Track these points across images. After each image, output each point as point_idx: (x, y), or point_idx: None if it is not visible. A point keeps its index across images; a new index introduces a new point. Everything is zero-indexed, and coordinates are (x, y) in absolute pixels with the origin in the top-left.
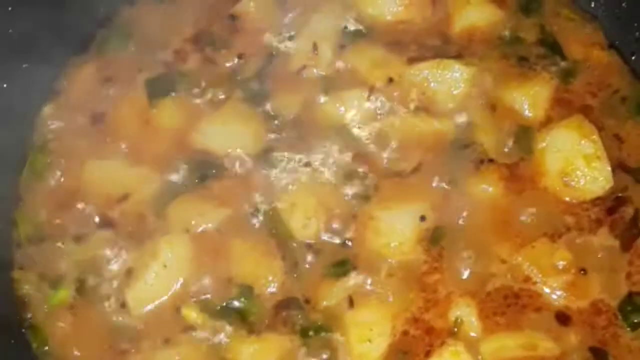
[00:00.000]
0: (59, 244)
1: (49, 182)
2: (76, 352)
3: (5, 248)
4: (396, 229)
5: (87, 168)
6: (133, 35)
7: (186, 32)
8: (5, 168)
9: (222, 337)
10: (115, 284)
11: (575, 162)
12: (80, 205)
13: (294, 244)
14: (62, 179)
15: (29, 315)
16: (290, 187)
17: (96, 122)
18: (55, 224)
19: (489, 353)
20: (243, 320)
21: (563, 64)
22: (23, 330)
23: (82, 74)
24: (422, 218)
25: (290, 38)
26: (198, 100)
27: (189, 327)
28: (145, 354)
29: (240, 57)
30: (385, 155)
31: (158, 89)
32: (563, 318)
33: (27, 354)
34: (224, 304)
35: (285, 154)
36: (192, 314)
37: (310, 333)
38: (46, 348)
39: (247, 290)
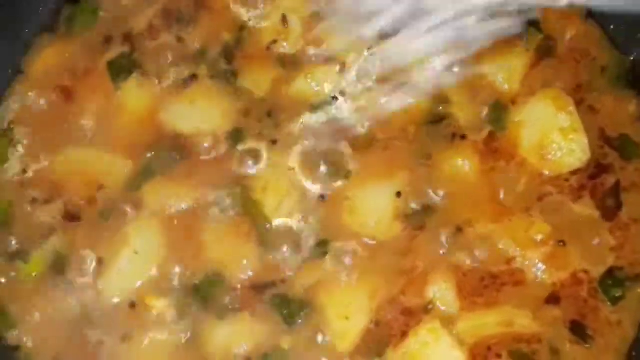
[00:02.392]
0: (27, 231)
1: (13, 167)
2: (44, 339)
3: None
4: (372, 207)
5: (54, 153)
6: (100, 12)
7: (153, 10)
8: None
9: (195, 322)
10: (87, 273)
11: (552, 135)
12: (48, 193)
13: (268, 226)
14: (27, 164)
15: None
16: (261, 167)
17: (62, 105)
18: (23, 211)
19: (465, 330)
20: (217, 303)
21: (539, 35)
22: None
23: (48, 53)
24: (398, 194)
25: (259, 12)
26: (165, 80)
27: (162, 314)
28: (117, 343)
29: (208, 33)
30: (359, 131)
31: (120, 70)
32: (545, 293)
33: None
34: (198, 288)
35: (257, 132)
36: (165, 300)
37: (288, 313)
38: (14, 332)
39: (221, 274)
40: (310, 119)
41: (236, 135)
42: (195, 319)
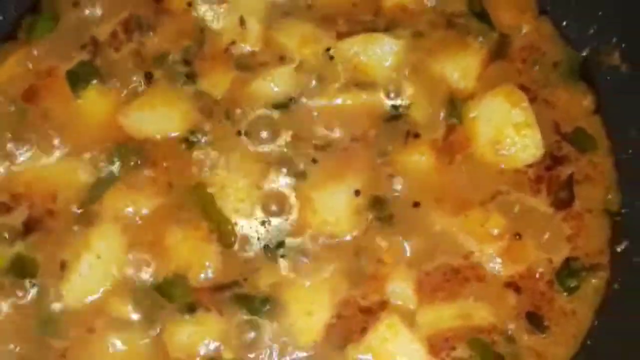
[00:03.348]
0: None
1: None
2: (7, 343)
3: None
4: (331, 207)
5: (15, 162)
6: (59, 20)
7: (115, 18)
8: None
9: (160, 323)
10: (49, 278)
11: (506, 130)
12: (9, 200)
13: (229, 227)
14: None
15: None
16: (221, 169)
17: (23, 113)
18: None
19: (424, 324)
20: (181, 304)
21: (492, 33)
22: None
23: (10, 61)
24: (357, 193)
25: (217, 15)
26: (124, 86)
27: (126, 317)
28: (82, 347)
29: (168, 37)
30: (317, 131)
31: (79, 78)
32: (502, 286)
33: None
34: (161, 290)
35: (216, 134)
36: (128, 303)
37: (250, 312)
38: None
39: (183, 275)
40: (268, 119)
41: (195, 138)
42: (159, 321)
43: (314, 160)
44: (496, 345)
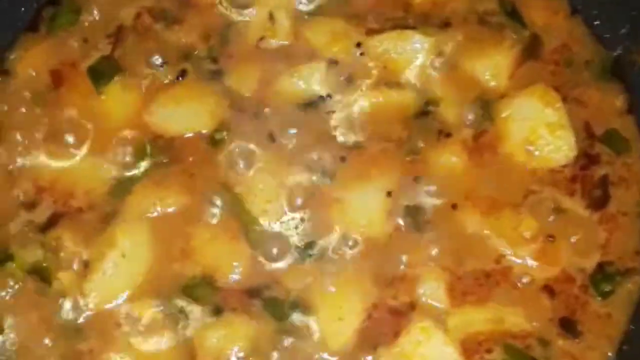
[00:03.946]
0: (13, 235)
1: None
2: (31, 346)
3: None
4: (362, 208)
5: (38, 159)
6: (82, 13)
7: (137, 9)
8: None
9: (187, 326)
10: (72, 277)
11: (539, 130)
12: (34, 196)
13: (257, 228)
14: (13, 167)
15: None
16: (249, 169)
17: (46, 108)
18: (9, 214)
19: (456, 327)
20: (209, 307)
21: (524, 32)
22: None
23: (30, 55)
24: (389, 194)
25: (245, 9)
26: (149, 81)
27: (151, 318)
28: (106, 350)
29: (194, 32)
30: (346, 130)
31: (101, 74)
32: (536, 290)
33: None
34: (188, 291)
35: (244, 133)
36: (154, 304)
37: (281, 315)
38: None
39: (211, 277)
40: (297, 117)
41: (223, 136)
42: (186, 323)
43: (343, 159)
44: (530, 350)
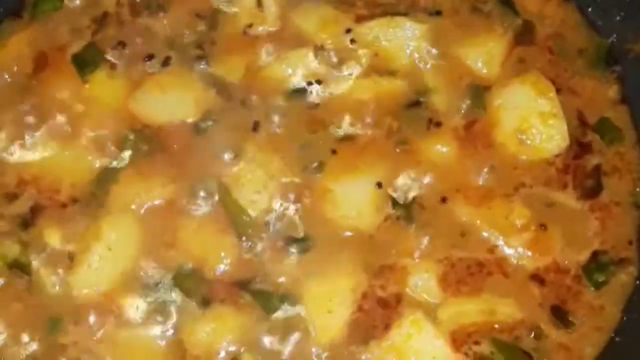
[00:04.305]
0: None
1: None
2: (16, 338)
3: None
4: (353, 200)
5: (19, 149)
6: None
7: None
8: None
9: (174, 320)
10: (57, 268)
11: (531, 119)
12: (16, 188)
13: (246, 219)
14: None
15: None
16: (237, 158)
17: (30, 97)
18: None
19: (448, 319)
20: (197, 299)
21: (516, 19)
22: None
23: (12, 42)
24: (379, 185)
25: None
26: (135, 69)
27: (138, 311)
28: (92, 343)
29: (179, 19)
30: (335, 118)
31: (87, 62)
32: (527, 279)
33: None
34: (175, 283)
35: (230, 121)
36: (140, 297)
37: (270, 308)
38: None
39: (199, 269)
40: (285, 105)
41: (210, 125)
42: (174, 316)
43: (334, 151)
44: (521, 342)
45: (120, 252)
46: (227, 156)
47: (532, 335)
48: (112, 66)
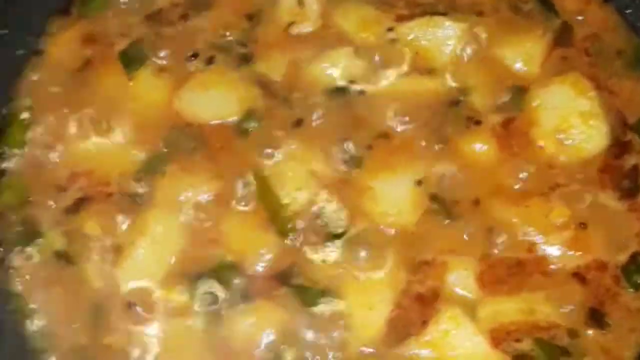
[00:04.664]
0: (44, 215)
1: (29, 152)
2: (61, 327)
3: None
4: (393, 197)
5: (69, 142)
6: None
7: None
8: None
9: (216, 312)
10: (103, 260)
11: (571, 119)
12: (63, 180)
13: (287, 215)
14: (43, 150)
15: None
16: (278, 155)
17: (79, 91)
18: (38, 197)
19: (485, 317)
20: (237, 293)
21: (556, 19)
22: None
23: (63, 39)
24: (418, 182)
25: None
26: (179, 68)
27: (181, 303)
28: (132, 334)
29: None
30: (375, 117)
31: (133, 59)
32: (567, 278)
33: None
34: (217, 277)
35: (273, 118)
36: (184, 289)
37: (309, 302)
38: (31, 322)
39: (239, 263)
40: (326, 103)
41: (252, 122)
42: (215, 309)
43: (370, 147)
44: (559, 340)
45: (164, 245)
46: (268, 153)
47: (568, 334)
48: (158, 64)
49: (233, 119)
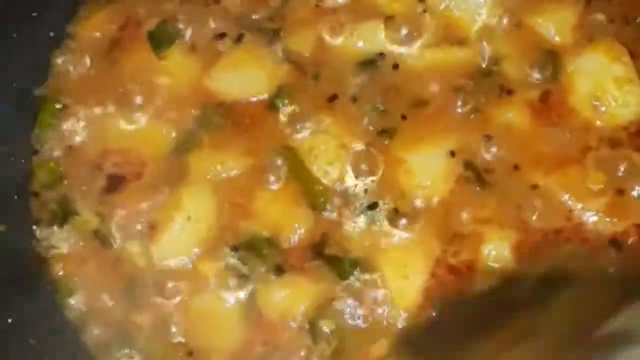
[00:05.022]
0: (79, 194)
1: (61, 133)
2: (100, 302)
3: (25, 199)
4: (426, 169)
5: (100, 121)
6: None
7: None
8: (19, 119)
9: (251, 286)
10: (138, 237)
11: (606, 85)
12: (96, 160)
13: (319, 188)
14: (74, 130)
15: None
16: (310, 130)
17: (108, 72)
18: (71, 176)
19: None
20: (272, 267)
21: None
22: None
23: (93, 21)
24: (452, 154)
25: None
26: (209, 46)
27: (216, 278)
28: (172, 309)
29: None
30: (407, 88)
31: (162, 39)
32: (605, 244)
33: (50, 307)
34: (252, 252)
35: (304, 94)
36: (218, 264)
37: (344, 274)
38: (70, 300)
39: (274, 238)
40: (357, 76)
41: (283, 98)
42: (250, 283)
43: (404, 117)
44: None
45: (199, 221)
46: (300, 128)
47: None
48: (187, 44)
49: (264, 95)
